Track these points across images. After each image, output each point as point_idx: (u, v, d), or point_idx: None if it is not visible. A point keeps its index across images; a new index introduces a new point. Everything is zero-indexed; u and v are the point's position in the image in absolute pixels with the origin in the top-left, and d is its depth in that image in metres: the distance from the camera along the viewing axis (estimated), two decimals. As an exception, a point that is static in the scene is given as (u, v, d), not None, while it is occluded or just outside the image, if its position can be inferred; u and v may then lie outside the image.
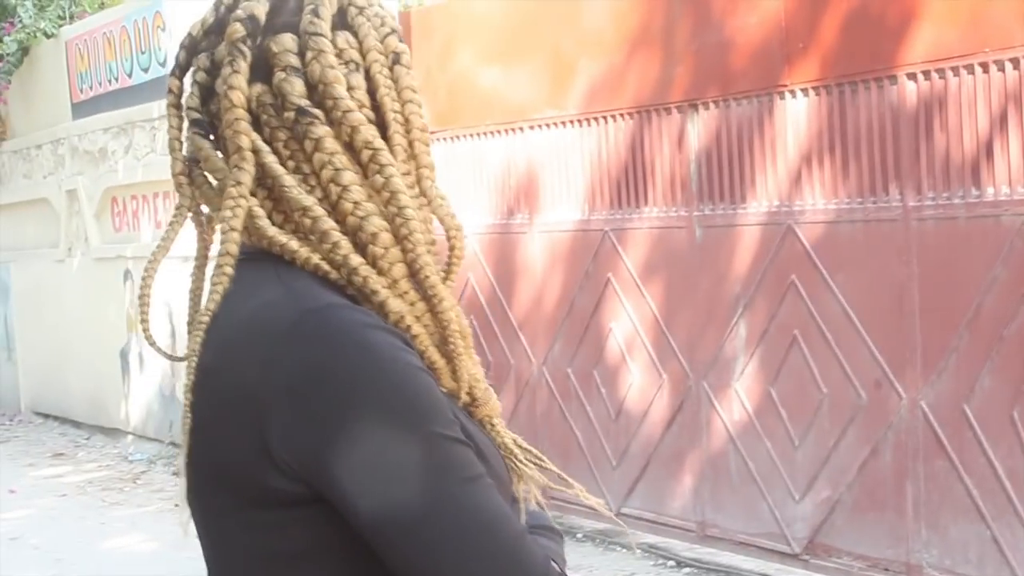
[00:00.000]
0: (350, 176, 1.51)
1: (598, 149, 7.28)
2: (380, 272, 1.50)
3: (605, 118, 7.22)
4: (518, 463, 1.59)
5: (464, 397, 1.55)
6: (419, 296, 1.52)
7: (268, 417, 1.41)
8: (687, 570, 6.67)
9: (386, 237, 1.50)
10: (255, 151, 1.51)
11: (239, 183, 1.50)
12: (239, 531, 1.50)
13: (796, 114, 6.20)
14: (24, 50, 12.47)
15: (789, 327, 6.27)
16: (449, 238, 1.57)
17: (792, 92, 6.21)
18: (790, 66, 6.20)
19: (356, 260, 1.49)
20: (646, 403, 7.05)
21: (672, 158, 6.86)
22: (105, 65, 11.25)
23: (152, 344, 1.67)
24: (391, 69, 1.56)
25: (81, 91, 11.83)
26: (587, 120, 7.32)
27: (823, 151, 6.10)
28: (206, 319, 1.50)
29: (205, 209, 1.61)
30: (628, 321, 7.15)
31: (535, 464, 1.62)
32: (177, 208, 1.61)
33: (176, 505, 8.92)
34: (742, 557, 6.57)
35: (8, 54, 12.47)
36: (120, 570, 7.48)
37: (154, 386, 10.82)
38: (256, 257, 1.52)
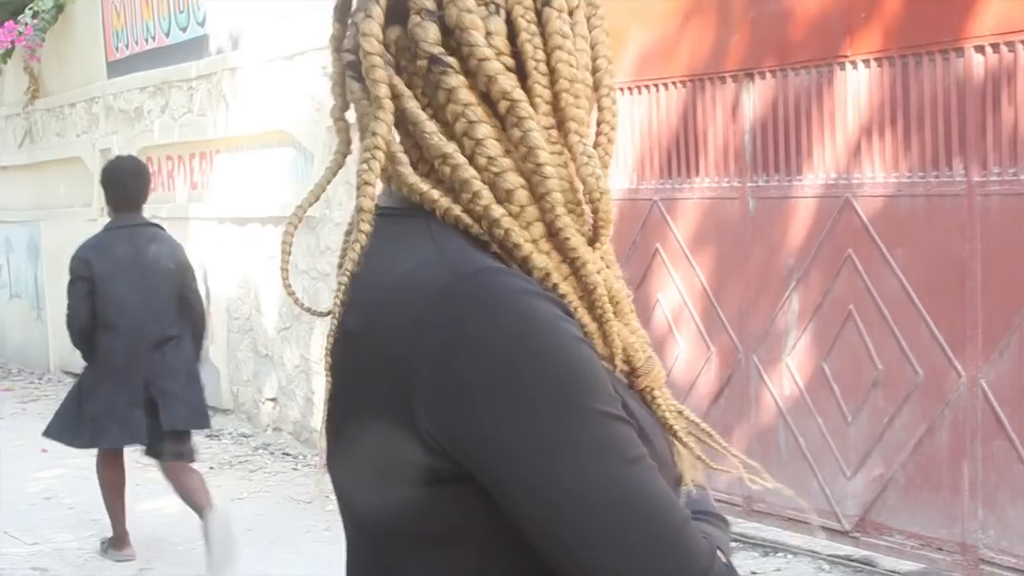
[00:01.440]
0: (485, 130, 1.40)
1: (648, 118, 7.18)
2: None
3: (657, 86, 7.12)
4: (681, 441, 1.48)
5: (620, 365, 1.45)
6: (561, 258, 1.41)
7: (415, 387, 1.31)
8: (732, 544, 6.59)
9: (522, 194, 1.39)
10: (396, 96, 1.41)
11: (375, 134, 1.40)
12: (380, 507, 1.41)
13: (856, 85, 6.09)
14: (59, 7, 12.40)
15: (844, 302, 6.18)
16: (591, 200, 1.44)
17: (853, 63, 6.10)
18: (851, 37, 6.09)
19: (498, 211, 1.38)
20: (693, 376, 6.97)
21: (725, 128, 6.77)
22: (142, 24, 11.17)
23: (292, 298, 1.58)
24: (539, 12, 1.44)
25: (117, 50, 11.76)
26: (638, 88, 7.22)
27: (884, 124, 6.00)
28: (345, 280, 1.41)
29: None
30: (676, 292, 7.06)
31: (701, 440, 1.52)
32: (335, 153, 1.51)
33: (211, 468, 8.89)
34: (789, 533, 6.50)
35: (43, 11, 12.39)
36: (156, 532, 7.42)
37: (187, 348, 10.77)
38: (409, 214, 1.42)
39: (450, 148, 1.39)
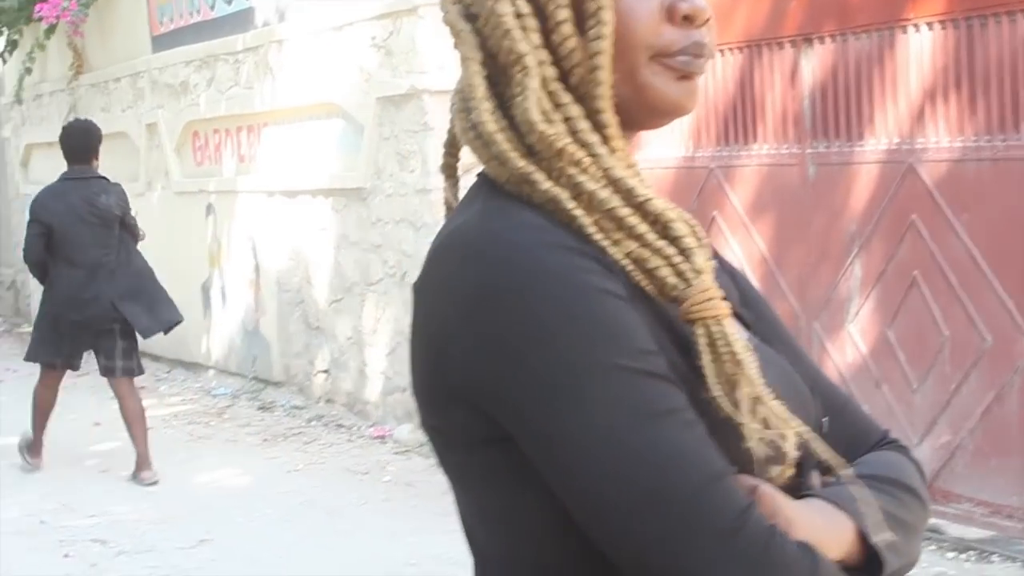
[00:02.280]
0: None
1: (705, 85, 7.12)
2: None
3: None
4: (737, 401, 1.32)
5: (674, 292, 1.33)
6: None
7: (447, 344, 1.31)
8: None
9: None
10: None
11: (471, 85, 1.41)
12: (452, 473, 1.42)
13: (920, 49, 6.02)
14: (103, -18, 12.40)
15: (908, 268, 6.13)
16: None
17: (916, 26, 6.03)
18: (913, 0, 6.02)
19: (495, 130, 1.37)
20: (752, 344, 6.92)
21: (784, 94, 6.71)
22: (187, -3, 11.16)
23: None
24: None
25: (161, 24, 11.75)
26: (694, 55, 7.14)
27: (948, 87, 5.93)
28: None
29: None
30: (734, 260, 7.01)
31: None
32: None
33: (265, 440, 8.91)
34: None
35: (87, -14, 12.39)
36: (214, 504, 7.44)
37: (237, 321, 10.79)
38: (483, 175, 1.42)
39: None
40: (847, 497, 1.37)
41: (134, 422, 8.00)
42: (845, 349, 6.46)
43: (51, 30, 12.82)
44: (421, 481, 7.51)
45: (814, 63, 6.52)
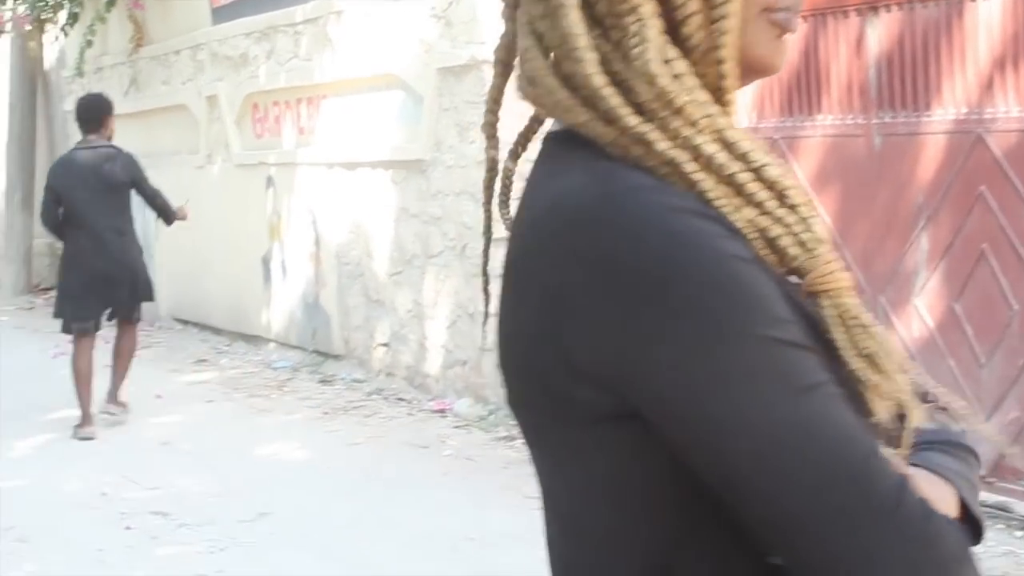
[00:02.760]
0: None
1: (768, 54, 7.00)
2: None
3: (777, 22, 6.94)
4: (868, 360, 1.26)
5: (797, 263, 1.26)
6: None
7: (568, 316, 1.22)
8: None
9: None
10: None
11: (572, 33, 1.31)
12: (556, 450, 1.32)
13: (989, 17, 5.90)
14: (163, -46, 12.40)
15: (976, 241, 6.01)
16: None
17: (985, -7, 5.91)
18: (982, -34, 5.91)
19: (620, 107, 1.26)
20: (816, 317, 6.83)
21: (849, 64, 6.59)
22: (247, -31, 11.14)
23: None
24: None
25: (221, -5, 11.73)
26: (757, 24, 7.04)
27: (1018, 55, 5.80)
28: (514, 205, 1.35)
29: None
30: (798, 233, 6.90)
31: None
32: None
33: (325, 414, 8.90)
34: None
35: (147, -42, 12.40)
36: (274, 477, 7.44)
37: (297, 294, 10.78)
38: (567, 136, 1.32)
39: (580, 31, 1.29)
40: (943, 466, 1.34)
41: (120, 356, 9.01)
42: (911, 323, 6.36)
43: (111, 2, 12.84)
44: (481, 455, 7.48)
45: (880, 32, 6.40)
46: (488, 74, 1.43)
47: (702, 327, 1.17)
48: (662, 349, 1.18)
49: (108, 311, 8.87)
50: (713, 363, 1.18)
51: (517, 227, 1.33)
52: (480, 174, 1.47)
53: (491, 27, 7.94)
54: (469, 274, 8.52)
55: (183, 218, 9.35)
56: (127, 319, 8.97)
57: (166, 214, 9.21)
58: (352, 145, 9.82)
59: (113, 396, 8.96)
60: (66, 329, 8.93)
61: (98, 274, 8.66)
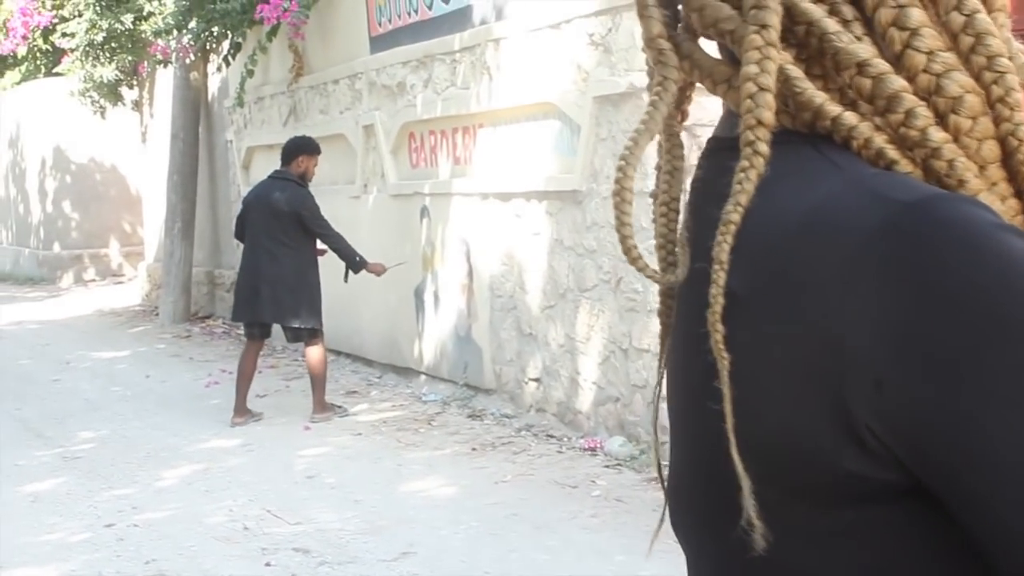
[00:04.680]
0: (919, 15, 1.02)
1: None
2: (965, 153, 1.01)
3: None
4: None
5: None
6: (1011, 191, 1.02)
7: (852, 364, 0.94)
8: None
9: (973, 101, 1.00)
10: None
11: (765, 26, 1.02)
12: (777, 535, 1.01)
13: None
14: (323, -16, 12.37)
15: None
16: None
17: None
18: None
19: (939, 136, 1.00)
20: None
21: None
22: (405, -3, 11.03)
23: (638, 264, 1.12)
24: None
25: (379, 24, 11.65)
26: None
27: None
28: (736, 218, 1.01)
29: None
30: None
31: None
32: (659, 83, 1.15)
33: (473, 449, 8.67)
34: None
35: (307, -12, 12.37)
36: (419, 514, 7.22)
37: (449, 326, 10.59)
38: (783, 140, 1.04)
39: (867, 53, 1.02)
40: None
41: (309, 373, 9.94)
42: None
43: (273, 32, 12.85)
44: (631, 497, 7.18)
45: None
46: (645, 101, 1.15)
47: None
48: (1002, 405, 0.92)
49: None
50: None
51: (737, 251, 1.03)
52: (637, 206, 1.18)
53: (650, 53, 7.66)
54: (623, 308, 8.24)
55: (376, 273, 10.07)
56: (295, 340, 9.97)
57: (348, 261, 9.93)
58: (507, 175, 9.62)
59: (317, 407, 9.83)
60: (232, 316, 10.50)
61: (245, 286, 9.77)
